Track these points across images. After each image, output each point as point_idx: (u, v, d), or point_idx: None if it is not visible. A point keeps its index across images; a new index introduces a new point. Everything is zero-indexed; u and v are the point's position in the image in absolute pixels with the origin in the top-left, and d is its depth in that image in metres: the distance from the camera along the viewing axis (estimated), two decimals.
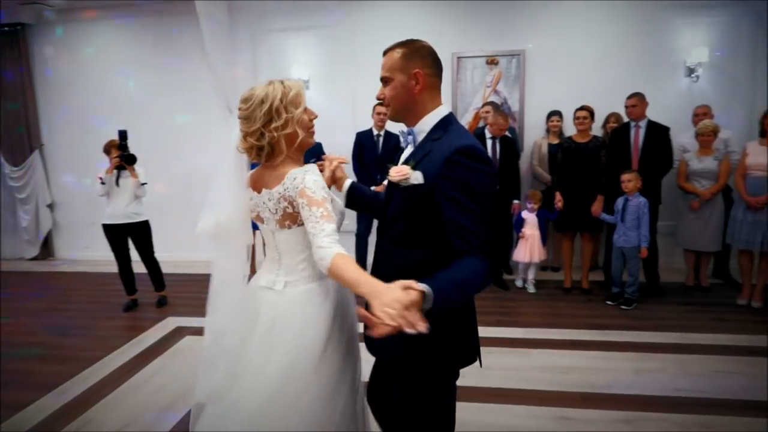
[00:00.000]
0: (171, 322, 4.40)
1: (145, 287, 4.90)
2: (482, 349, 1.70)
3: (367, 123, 5.25)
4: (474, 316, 1.63)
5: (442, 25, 5.57)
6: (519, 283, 5.02)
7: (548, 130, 5.40)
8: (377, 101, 5.09)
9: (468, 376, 1.57)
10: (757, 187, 4.23)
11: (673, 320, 4.11)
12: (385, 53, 1.58)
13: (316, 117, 1.71)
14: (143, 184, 4.55)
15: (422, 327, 1.14)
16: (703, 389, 3.01)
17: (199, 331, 4.06)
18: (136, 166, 4.51)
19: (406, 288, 1.18)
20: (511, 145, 4.89)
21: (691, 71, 5.26)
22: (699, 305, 4.47)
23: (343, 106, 5.85)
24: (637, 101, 4.55)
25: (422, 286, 1.21)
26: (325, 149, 5.51)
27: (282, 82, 1.64)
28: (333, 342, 1.66)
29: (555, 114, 5.31)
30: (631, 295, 4.40)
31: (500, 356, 3.44)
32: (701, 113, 4.91)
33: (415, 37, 1.61)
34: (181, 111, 6.11)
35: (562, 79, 5.43)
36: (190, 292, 5.20)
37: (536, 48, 5.48)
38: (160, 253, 4.84)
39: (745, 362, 3.35)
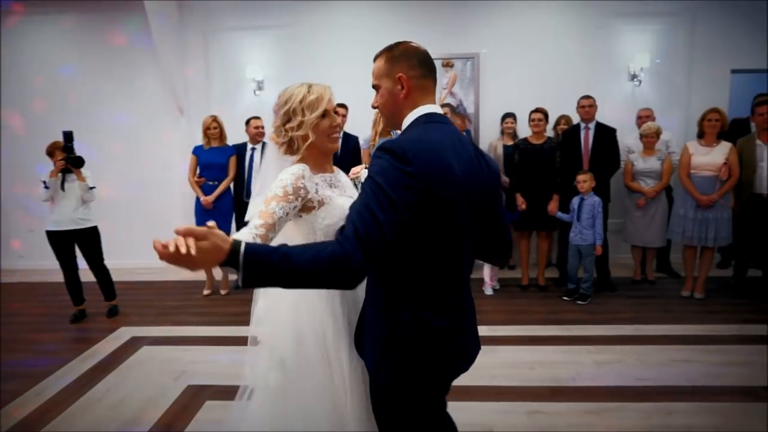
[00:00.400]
0: (125, 333, 4.18)
1: (92, 297, 4.64)
2: None
3: None
4: (452, 345, 1.47)
5: (399, 28, 5.58)
6: (488, 291, 4.93)
7: (503, 132, 5.55)
8: (336, 103, 5.06)
9: None
10: (705, 186, 4.50)
11: (626, 313, 4.32)
12: (374, 60, 1.54)
13: (337, 124, 1.73)
14: (92, 188, 4.30)
15: (182, 247, 1.06)
16: (662, 378, 3.18)
17: (156, 341, 3.94)
18: (82, 170, 4.26)
19: (213, 228, 1.15)
20: None
21: (633, 76, 5.55)
22: (647, 298, 4.72)
23: None
24: (593, 101, 4.77)
25: (231, 239, 1.16)
26: None
27: (310, 86, 1.68)
28: (332, 334, 1.69)
29: (509, 116, 5.45)
30: (586, 291, 4.58)
31: None
32: (644, 116, 5.20)
33: (404, 39, 1.55)
34: (128, 112, 5.82)
35: (515, 82, 5.59)
36: (143, 301, 4.98)
37: (490, 52, 5.61)
38: (106, 261, 4.58)
39: (698, 350, 3.57)
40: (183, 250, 1.07)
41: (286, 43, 5.69)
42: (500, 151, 5.46)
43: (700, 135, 4.58)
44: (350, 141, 5.08)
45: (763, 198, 4.53)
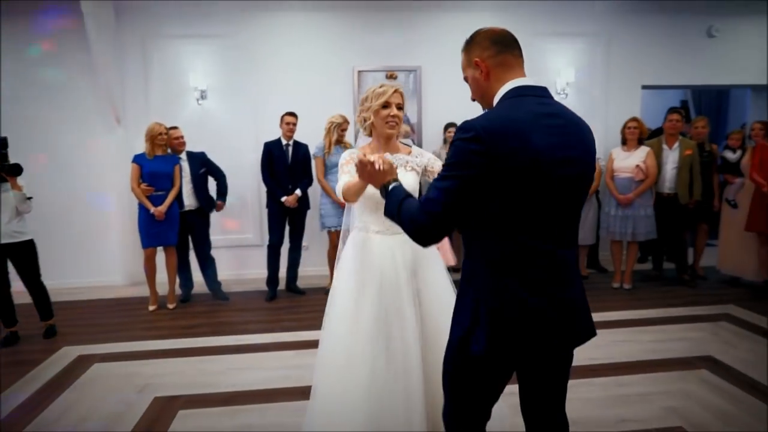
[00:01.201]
0: (69, 352, 3.91)
1: (23, 318, 4.28)
2: None
3: (270, 134, 5.20)
4: (542, 321, 1.44)
5: (343, 39, 5.75)
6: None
7: (445, 141, 5.83)
8: (286, 112, 5.08)
9: None
10: (624, 187, 4.99)
11: None
12: None
13: (395, 114, 2.19)
14: (29, 198, 4.02)
15: (376, 161, 1.70)
16: (611, 356, 3.51)
17: (108, 357, 3.74)
18: (18, 178, 3.98)
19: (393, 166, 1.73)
20: None
21: (561, 90, 6.05)
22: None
23: (245, 116, 5.72)
24: None
25: (394, 178, 1.71)
26: (227, 160, 5.35)
27: (383, 84, 2.22)
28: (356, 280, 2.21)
29: (451, 125, 5.74)
30: None
31: None
32: None
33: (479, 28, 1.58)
34: (60, 120, 5.47)
35: (456, 93, 5.80)
36: (83, 320, 4.67)
37: (430, 65, 5.89)
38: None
39: (635, 332, 3.99)
40: (377, 165, 1.69)
41: (231, 52, 5.63)
42: (444, 158, 5.72)
43: (624, 142, 5.09)
44: (300, 149, 5.13)
45: (663, 197, 5.11)
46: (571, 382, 3.05)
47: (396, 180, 1.67)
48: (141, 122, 5.15)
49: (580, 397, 2.95)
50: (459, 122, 5.32)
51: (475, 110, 5.14)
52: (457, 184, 1.37)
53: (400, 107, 2.19)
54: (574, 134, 1.46)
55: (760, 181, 4.64)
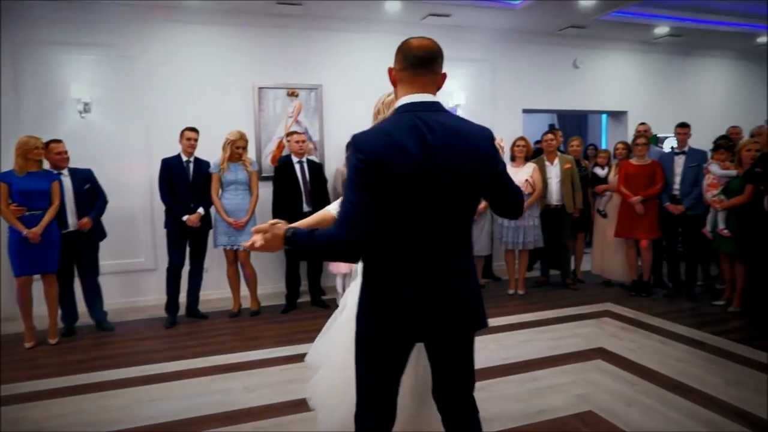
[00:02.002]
0: None
1: None
2: None
3: (165, 150, 4.91)
4: (416, 310, 1.60)
5: (242, 54, 5.62)
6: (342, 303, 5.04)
7: (348, 158, 5.91)
8: (186, 127, 4.84)
9: None
10: None
11: None
12: None
13: None
14: None
15: (255, 242, 1.59)
16: (520, 355, 3.78)
17: (11, 400, 3.21)
18: None
19: (275, 224, 1.60)
20: (318, 167, 5.26)
21: (453, 111, 6.46)
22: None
23: (136, 131, 5.33)
24: None
25: (285, 227, 1.59)
26: (115, 177, 4.99)
27: (390, 93, 2.09)
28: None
29: None
30: None
31: None
32: None
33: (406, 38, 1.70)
34: None
35: (357, 110, 5.98)
36: None
37: (331, 83, 5.96)
38: None
39: (536, 332, 4.35)
40: (257, 245, 1.59)
41: (120, 62, 5.21)
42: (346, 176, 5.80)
43: (513, 159, 5.56)
44: (202, 166, 4.91)
45: (551, 208, 5.66)
46: (490, 381, 3.30)
47: (289, 227, 1.60)
48: (11, 136, 4.60)
49: (500, 395, 3.14)
50: None
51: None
52: (358, 193, 1.50)
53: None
54: (458, 144, 1.57)
55: (626, 192, 5.32)
